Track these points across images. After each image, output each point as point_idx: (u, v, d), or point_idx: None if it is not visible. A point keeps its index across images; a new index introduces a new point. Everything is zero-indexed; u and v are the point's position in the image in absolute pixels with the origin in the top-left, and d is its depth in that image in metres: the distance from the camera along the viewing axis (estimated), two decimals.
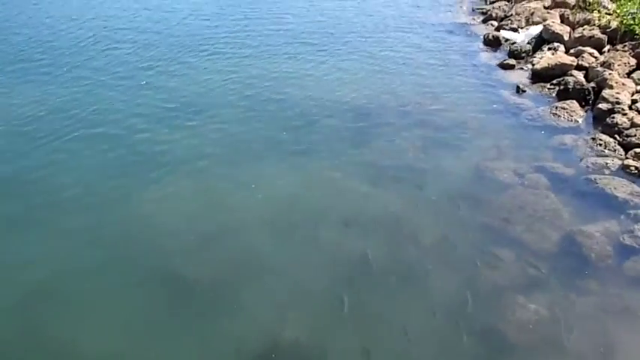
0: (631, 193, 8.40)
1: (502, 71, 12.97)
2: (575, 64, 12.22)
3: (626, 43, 12.33)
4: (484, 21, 16.31)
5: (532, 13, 15.23)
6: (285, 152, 9.80)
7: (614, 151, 9.52)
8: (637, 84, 11.04)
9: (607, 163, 9.18)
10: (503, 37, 14.52)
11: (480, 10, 17.21)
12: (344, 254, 7.55)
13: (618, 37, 12.74)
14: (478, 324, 6.58)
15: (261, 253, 7.58)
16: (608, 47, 12.75)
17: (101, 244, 7.72)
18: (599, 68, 11.58)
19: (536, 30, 14.22)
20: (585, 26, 13.44)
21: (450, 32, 15.53)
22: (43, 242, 7.76)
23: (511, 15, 15.65)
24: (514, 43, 14.14)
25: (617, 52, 12.01)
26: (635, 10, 12.77)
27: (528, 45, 13.72)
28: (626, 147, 9.53)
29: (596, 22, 13.54)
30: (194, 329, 6.50)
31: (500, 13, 16.25)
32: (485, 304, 6.82)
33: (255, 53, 13.95)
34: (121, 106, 11.24)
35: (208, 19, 16.39)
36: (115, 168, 9.33)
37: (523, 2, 16.41)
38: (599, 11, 14.01)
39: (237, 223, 8.09)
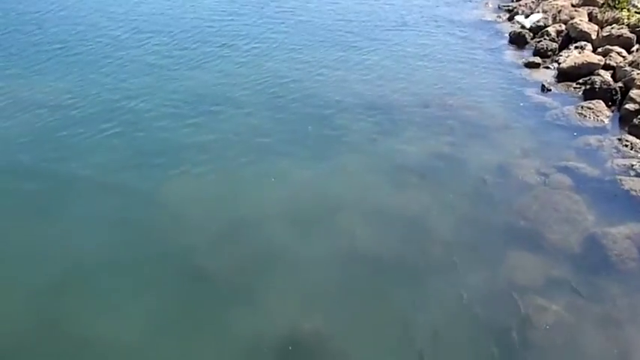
0: None
1: (527, 69, 12.83)
2: (602, 63, 12.04)
3: None
4: (510, 19, 16.13)
5: (559, 11, 15.01)
6: (307, 146, 9.83)
7: None
8: None
9: (633, 165, 9.04)
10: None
11: (506, 8, 17.01)
12: (363, 250, 7.57)
13: None
14: (497, 324, 6.55)
15: (281, 246, 7.63)
16: (636, 47, 12.51)
17: (122, 236, 7.83)
18: (627, 68, 11.39)
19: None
20: (614, 25, 13.22)
21: (475, 29, 15.38)
22: (63, 233, 7.87)
23: (538, 12, 15.43)
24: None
25: None
26: None
27: (554, 43, 13.55)
28: None
29: (625, 20, 13.30)
30: (214, 321, 6.58)
31: (527, 11, 16.02)
32: (505, 305, 6.78)
33: (278, 48, 13.96)
34: (145, 99, 11.34)
35: (233, 14, 16.43)
36: (137, 160, 9.43)
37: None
38: (628, 10, 13.76)
39: (257, 216, 8.15)
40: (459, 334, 6.47)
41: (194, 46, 14.08)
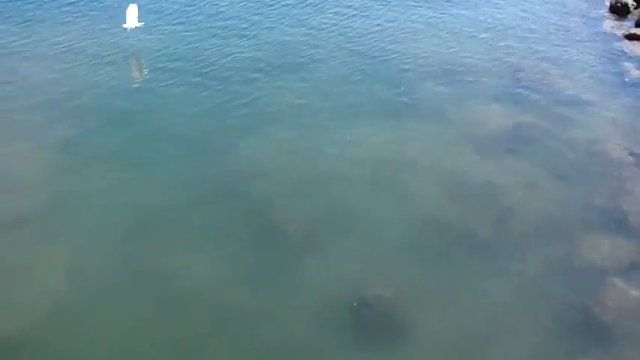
0: None
1: (628, 42, 11.97)
2: None
3: None
4: None
5: None
6: (385, 108, 9.68)
7: None
8: None
9: None
10: None
11: None
12: (436, 216, 7.47)
13: None
14: (569, 304, 6.36)
15: (353, 204, 7.66)
16: None
17: (202, 184, 8.07)
18: None
19: None
20: None
21: None
22: (148, 179, 8.16)
23: None
24: None
25: None
26: None
27: None
28: None
29: None
30: (285, 271, 6.75)
31: None
32: (580, 285, 6.57)
33: (360, 8, 13.57)
34: (230, 57, 11.34)
35: None
36: (220, 114, 9.57)
37: None
38: None
39: (331, 173, 8.20)
40: (529, 310, 6.31)
41: (274, 9, 13.79)
